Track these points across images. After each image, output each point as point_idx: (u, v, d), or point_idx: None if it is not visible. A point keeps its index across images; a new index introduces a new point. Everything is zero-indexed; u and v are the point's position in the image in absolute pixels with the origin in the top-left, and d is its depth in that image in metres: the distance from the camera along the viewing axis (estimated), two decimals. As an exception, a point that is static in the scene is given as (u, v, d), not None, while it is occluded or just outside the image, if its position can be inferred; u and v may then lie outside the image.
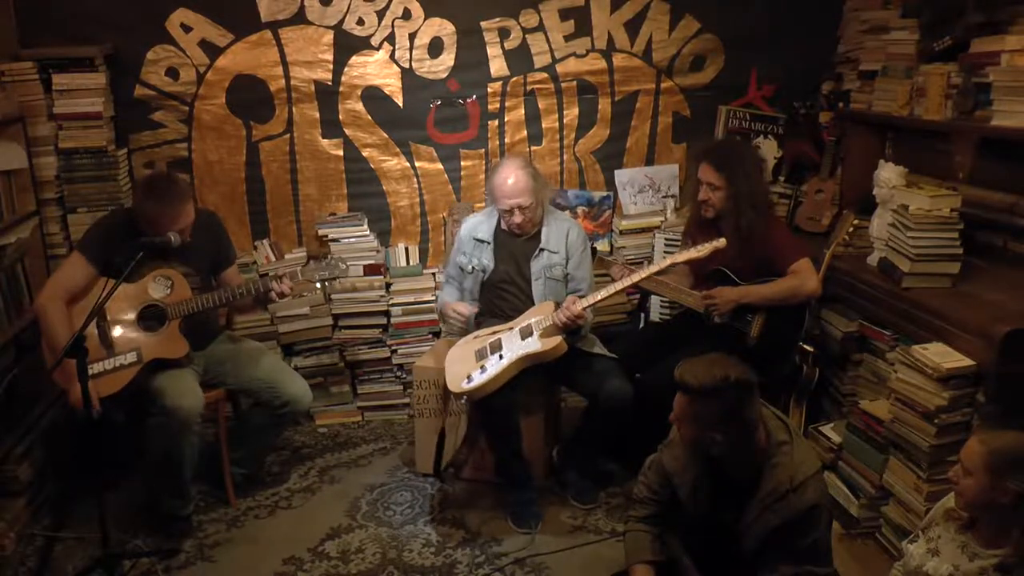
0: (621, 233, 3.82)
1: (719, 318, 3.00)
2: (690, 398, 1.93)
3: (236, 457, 3.13)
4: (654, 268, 2.82)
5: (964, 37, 2.85)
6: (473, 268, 3.06)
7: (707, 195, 3.03)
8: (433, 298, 3.71)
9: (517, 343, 2.83)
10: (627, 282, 2.83)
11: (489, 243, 3.05)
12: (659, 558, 2.17)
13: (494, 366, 2.79)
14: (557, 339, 2.78)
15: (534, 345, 2.79)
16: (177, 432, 2.72)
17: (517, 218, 2.95)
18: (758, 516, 1.95)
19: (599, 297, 2.83)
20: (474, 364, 2.84)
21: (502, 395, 2.77)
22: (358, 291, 3.69)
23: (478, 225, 3.11)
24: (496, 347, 2.86)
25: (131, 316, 2.80)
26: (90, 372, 2.45)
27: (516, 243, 3.04)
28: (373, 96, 3.71)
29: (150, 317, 2.82)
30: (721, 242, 2.71)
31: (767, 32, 3.77)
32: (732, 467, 2.01)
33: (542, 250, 3.01)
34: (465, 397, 2.85)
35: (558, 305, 2.88)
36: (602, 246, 3.80)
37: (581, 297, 2.97)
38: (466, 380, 2.81)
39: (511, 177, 2.90)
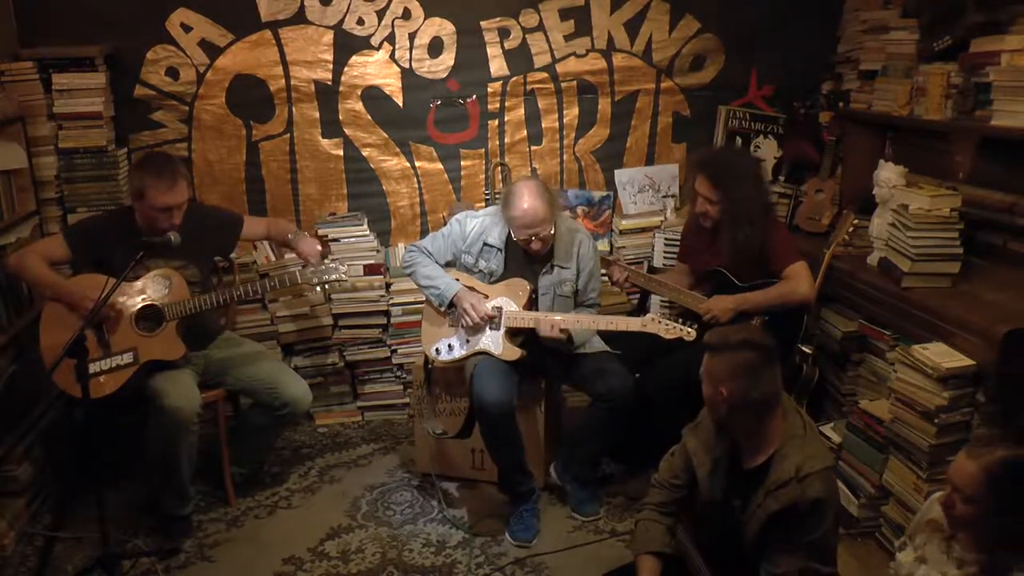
0: (621, 233, 3.82)
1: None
2: (710, 354, 2.03)
3: (236, 457, 3.12)
4: (624, 323, 2.91)
5: (964, 37, 2.85)
6: (479, 271, 3.05)
7: (704, 207, 3.04)
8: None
9: (484, 330, 2.94)
10: (602, 325, 2.93)
11: (501, 250, 3.01)
12: (668, 549, 2.17)
13: (459, 349, 2.99)
14: (517, 351, 2.91)
15: (496, 347, 2.93)
16: (175, 432, 2.72)
17: (536, 245, 2.90)
18: (761, 503, 1.97)
19: (579, 325, 2.89)
20: (447, 331, 3.02)
21: (501, 403, 2.77)
22: (358, 291, 3.70)
23: (488, 229, 3.02)
24: None
25: (129, 316, 2.80)
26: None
27: (527, 255, 3.01)
28: (373, 96, 3.71)
29: (148, 317, 2.82)
30: (690, 333, 2.75)
31: (767, 32, 3.77)
32: (741, 437, 2.03)
33: (553, 266, 2.99)
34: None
35: (532, 294, 2.94)
36: (602, 246, 3.80)
37: (590, 306, 3.04)
38: (435, 350, 3.03)
39: (529, 207, 2.81)
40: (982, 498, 1.70)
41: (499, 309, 2.94)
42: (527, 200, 2.81)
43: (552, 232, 2.90)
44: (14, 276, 2.90)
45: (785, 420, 2.02)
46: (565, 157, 3.90)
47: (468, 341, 2.97)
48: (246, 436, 3.14)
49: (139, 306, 2.81)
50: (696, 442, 2.17)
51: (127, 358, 2.75)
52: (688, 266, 3.30)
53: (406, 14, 3.62)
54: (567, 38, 3.73)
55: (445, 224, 3.24)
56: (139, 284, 2.82)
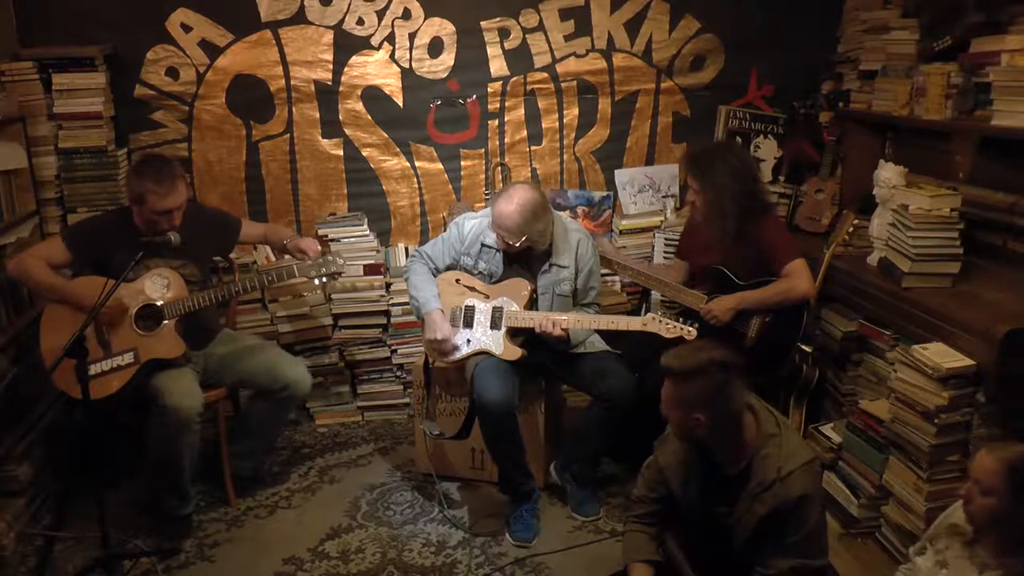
0: (621, 233, 3.82)
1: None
2: (674, 380, 1.98)
3: (239, 452, 3.12)
4: (622, 322, 2.92)
5: (964, 37, 2.85)
6: (479, 272, 3.05)
7: (691, 198, 3.08)
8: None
9: (484, 330, 2.95)
10: (602, 325, 2.91)
11: (499, 250, 3.02)
12: (657, 557, 2.18)
13: (459, 351, 2.96)
14: (517, 351, 2.91)
15: (497, 347, 2.93)
16: (176, 432, 2.72)
17: (501, 244, 2.95)
18: (748, 508, 1.97)
19: (580, 324, 2.88)
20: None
21: (503, 402, 2.77)
22: (358, 291, 3.70)
23: (486, 230, 3.02)
24: (468, 319, 2.97)
25: (128, 316, 2.80)
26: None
27: (525, 255, 3.00)
28: (373, 96, 3.71)
29: (147, 317, 2.82)
30: (691, 332, 2.75)
31: (767, 32, 3.77)
32: (720, 453, 2.03)
33: (552, 265, 2.98)
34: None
35: (533, 292, 2.94)
36: (602, 246, 3.81)
37: (588, 305, 3.03)
38: None
39: (504, 212, 2.81)
40: (1000, 490, 1.70)
41: (500, 309, 2.94)
42: (509, 206, 2.81)
43: (528, 241, 2.89)
44: (15, 280, 2.90)
45: (758, 421, 2.02)
46: (565, 157, 3.90)
47: (469, 341, 2.97)
48: (249, 429, 3.13)
49: (138, 305, 2.81)
50: (666, 454, 2.17)
51: (127, 358, 2.75)
52: (687, 264, 3.31)
53: (406, 14, 3.62)
54: (567, 38, 3.73)
55: (445, 224, 3.26)
56: (138, 284, 2.82)
